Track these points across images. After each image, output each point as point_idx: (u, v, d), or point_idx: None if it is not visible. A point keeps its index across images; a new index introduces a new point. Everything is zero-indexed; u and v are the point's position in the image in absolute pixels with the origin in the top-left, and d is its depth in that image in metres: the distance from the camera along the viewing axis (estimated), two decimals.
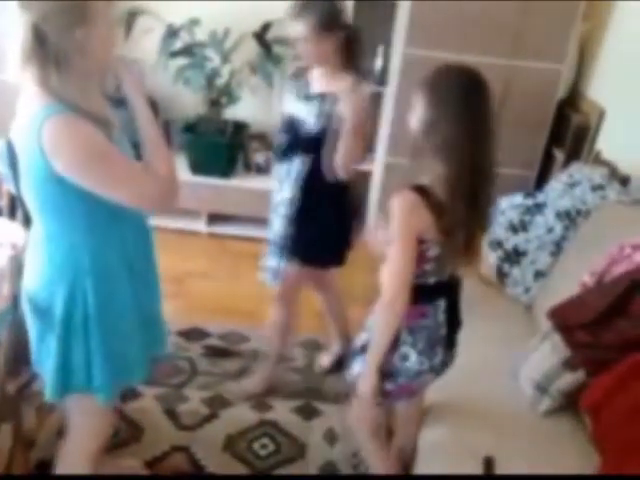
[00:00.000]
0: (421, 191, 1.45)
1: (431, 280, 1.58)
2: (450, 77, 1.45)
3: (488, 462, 1.63)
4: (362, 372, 1.65)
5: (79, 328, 1.45)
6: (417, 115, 1.48)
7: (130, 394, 2.34)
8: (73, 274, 1.42)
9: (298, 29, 1.97)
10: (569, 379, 1.78)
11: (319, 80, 2.12)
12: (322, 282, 2.49)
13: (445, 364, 1.70)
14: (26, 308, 1.52)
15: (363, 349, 1.67)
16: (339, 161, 2.02)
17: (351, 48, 2.06)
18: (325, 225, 2.18)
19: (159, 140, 1.44)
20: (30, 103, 1.30)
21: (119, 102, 1.48)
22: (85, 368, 1.49)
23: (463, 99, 1.42)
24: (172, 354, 2.61)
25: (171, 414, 2.33)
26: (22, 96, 1.35)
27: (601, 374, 1.71)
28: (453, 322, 1.67)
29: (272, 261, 2.24)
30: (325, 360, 2.66)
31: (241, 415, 2.37)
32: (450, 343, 1.68)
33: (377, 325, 1.58)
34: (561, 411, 1.84)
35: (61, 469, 1.72)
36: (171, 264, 3.25)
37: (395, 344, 1.60)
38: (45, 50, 1.25)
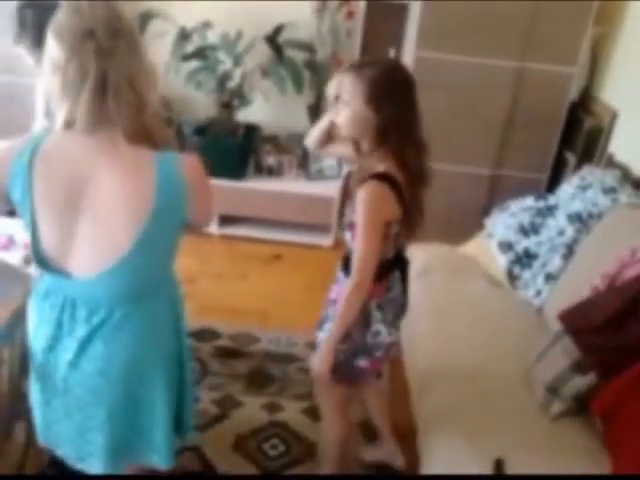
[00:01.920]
0: (385, 178, 1.54)
1: (390, 254, 1.67)
2: (392, 75, 1.55)
3: (498, 465, 1.63)
4: (318, 350, 1.70)
5: (187, 373, 1.50)
6: (364, 115, 1.53)
7: None
8: (178, 319, 1.48)
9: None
10: (580, 382, 1.77)
11: None
12: None
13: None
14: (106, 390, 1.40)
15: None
16: None
17: None
18: None
19: None
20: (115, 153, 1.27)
21: None
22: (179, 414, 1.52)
23: (410, 92, 1.55)
24: None
25: None
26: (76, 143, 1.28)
27: (613, 377, 1.70)
28: (405, 288, 1.77)
29: None
30: None
31: (251, 415, 2.37)
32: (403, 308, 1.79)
33: (344, 305, 1.61)
34: (572, 414, 1.83)
35: None
36: (183, 265, 3.25)
37: (366, 323, 1.67)
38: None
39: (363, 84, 1.51)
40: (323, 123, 1.76)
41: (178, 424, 1.52)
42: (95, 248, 1.28)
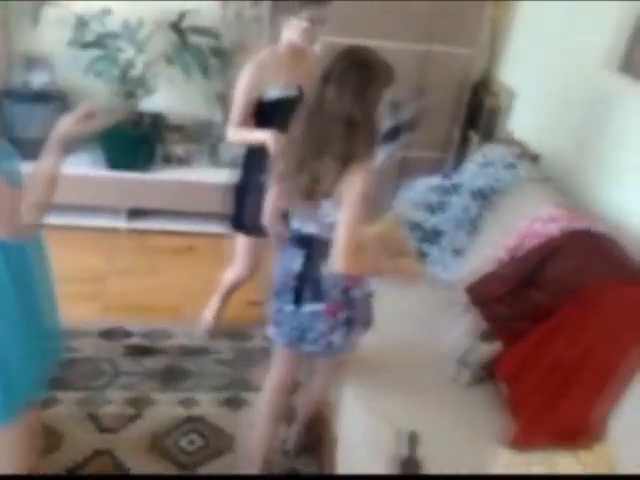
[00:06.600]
0: None
1: None
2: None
3: (412, 438, 1.65)
4: None
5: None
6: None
7: (45, 401, 2.22)
8: None
9: (318, 12, 2.25)
10: (487, 350, 1.82)
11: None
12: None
13: None
14: None
15: None
16: None
17: None
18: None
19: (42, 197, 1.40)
20: None
21: None
22: None
23: None
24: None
25: (92, 417, 2.23)
26: None
27: (515, 344, 1.76)
28: None
29: None
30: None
31: (166, 413, 2.30)
32: None
33: None
34: (483, 382, 1.88)
35: None
36: (91, 263, 3.12)
37: None
38: None
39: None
40: None
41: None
42: None
